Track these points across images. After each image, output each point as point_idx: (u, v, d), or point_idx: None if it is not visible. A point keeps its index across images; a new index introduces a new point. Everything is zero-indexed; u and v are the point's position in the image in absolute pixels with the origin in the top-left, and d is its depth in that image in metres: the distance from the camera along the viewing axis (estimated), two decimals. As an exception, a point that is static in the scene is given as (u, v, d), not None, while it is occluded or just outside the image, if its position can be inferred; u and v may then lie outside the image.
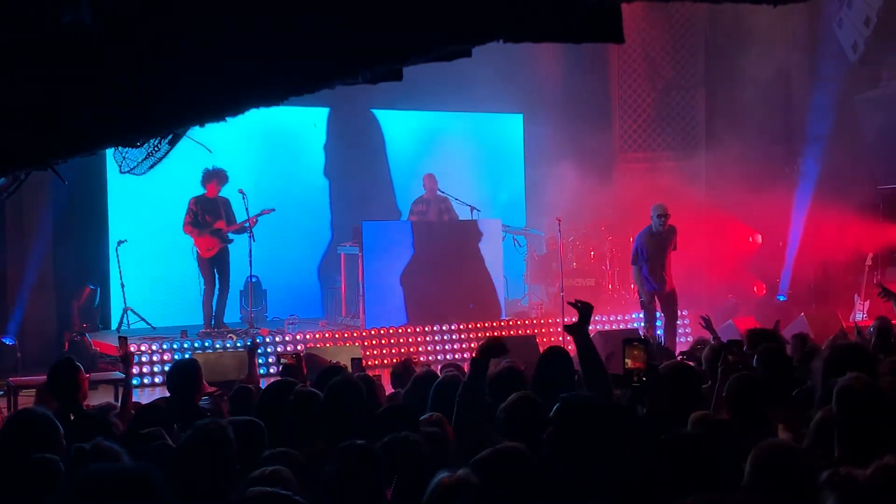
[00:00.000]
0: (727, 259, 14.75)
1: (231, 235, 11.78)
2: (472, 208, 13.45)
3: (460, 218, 13.55)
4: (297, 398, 4.84)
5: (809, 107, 14.92)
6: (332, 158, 14.45)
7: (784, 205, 14.46)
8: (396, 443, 3.87)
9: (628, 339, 4.80)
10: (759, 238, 15.17)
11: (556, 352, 5.50)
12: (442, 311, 12.49)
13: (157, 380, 10.54)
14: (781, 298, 14.42)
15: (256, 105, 3.25)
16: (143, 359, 10.77)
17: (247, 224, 11.72)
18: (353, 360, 7.10)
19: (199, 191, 11.73)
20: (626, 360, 4.66)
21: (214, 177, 11.73)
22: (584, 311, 4.76)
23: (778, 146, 14.47)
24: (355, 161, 14.58)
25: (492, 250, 13.09)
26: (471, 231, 13.06)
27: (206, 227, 11.58)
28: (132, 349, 10.20)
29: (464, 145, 15.17)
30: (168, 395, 5.94)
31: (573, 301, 4.97)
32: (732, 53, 14.72)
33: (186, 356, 10.48)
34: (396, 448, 3.82)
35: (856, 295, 13.33)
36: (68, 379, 5.60)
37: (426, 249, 12.53)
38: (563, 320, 11.61)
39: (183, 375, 5.84)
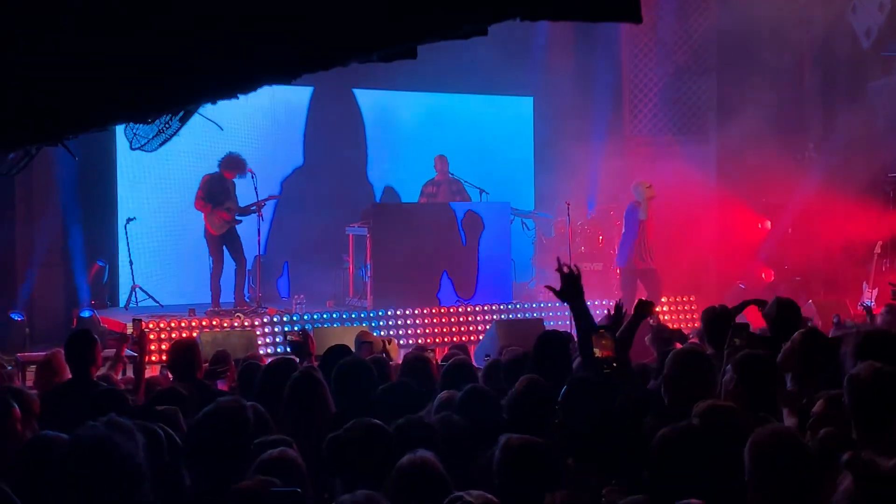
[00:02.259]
0: (736, 245, 14.71)
1: (239, 216, 11.79)
2: (481, 191, 13.44)
3: (469, 201, 13.54)
4: (298, 380, 4.84)
5: (821, 93, 14.86)
6: (343, 139, 14.41)
7: (794, 191, 14.40)
8: (411, 424, 3.88)
9: (594, 327, 4.76)
10: (769, 224, 15.12)
11: (552, 336, 5.51)
12: (449, 293, 12.49)
13: (164, 357, 10.56)
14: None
15: (269, 82, 3.24)
16: (151, 336, 10.78)
17: (253, 207, 11.74)
18: (361, 343, 7.13)
19: (213, 169, 11.72)
20: (595, 350, 4.62)
21: (233, 164, 11.67)
22: (568, 278, 4.73)
23: (789, 132, 14.39)
24: (365, 142, 14.55)
25: (500, 233, 13.07)
26: (479, 214, 13.04)
27: (217, 206, 11.58)
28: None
29: (473, 128, 15.13)
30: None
31: (559, 268, 4.92)
32: (745, 38, 14.62)
33: (194, 334, 10.53)
34: (410, 429, 3.83)
35: (864, 282, 13.29)
36: (85, 350, 5.65)
37: (434, 231, 12.52)
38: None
39: (182, 355, 5.88)
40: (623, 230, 12.59)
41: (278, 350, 10.68)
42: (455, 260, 12.65)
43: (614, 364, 4.61)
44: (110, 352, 8.95)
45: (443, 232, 12.59)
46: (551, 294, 4.82)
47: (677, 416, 4.09)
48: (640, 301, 5.32)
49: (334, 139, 14.33)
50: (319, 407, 4.65)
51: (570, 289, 4.67)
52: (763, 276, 14.93)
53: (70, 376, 6.05)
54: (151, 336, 10.73)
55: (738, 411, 4.04)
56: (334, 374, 4.92)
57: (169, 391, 5.13)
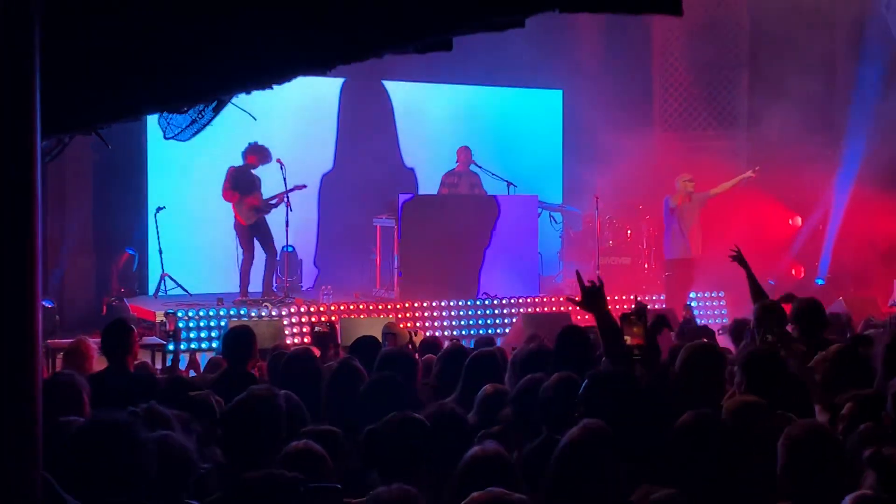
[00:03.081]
0: (766, 241, 14.61)
1: (267, 207, 11.85)
2: (509, 184, 13.40)
3: (496, 194, 13.51)
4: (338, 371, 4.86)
5: (854, 88, 14.71)
6: (372, 131, 14.42)
7: (825, 187, 14.29)
8: (443, 415, 3.89)
9: (625, 315, 4.76)
10: (799, 220, 15.01)
11: (574, 331, 5.50)
12: (476, 286, 12.49)
13: (192, 346, 10.62)
14: (819, 282, 14.28)
15: (303, 73, 3.25)
16: (180, 325, 10.84)
17: (274, 201, 11.78)
18: (387, 334, 7.13)
19: (239, 160, 11.78)
20: (626, 337, 4.64)
21: (257, 153, 11.76)
22: (590, 290, 4.70)
23: (821, 128, 14.26)
24: (394, 134, 14.56)
25: (527, 226, 13.04)
26: (507, 207, 13.02)
27: (245, 194, 11.64)
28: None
29: (502, 120, 15.11)
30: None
31: (579, 281, 4.90)
32: (776, 33, 14.50)
33: (222, 323, 10.58)
34: (442, 420, 3.84)
35: (895, 280, 13.17)
36: (122, 339, 5.67)
37: (461, 223, 12.50)
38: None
39: (238, 342, 5.87)
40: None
41: (305, 340, 10.71)
42: (482, 253, 12.63)
43: (643, 352, 4.63)
44: (149, 339, 8.99)
45: (470, 224, 12.58)
46: (578, 288, 4.80)
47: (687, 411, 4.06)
48: (658, 316, 5.31)
49: (363, 131, 14.35)
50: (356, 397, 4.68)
51: (592, 300, 4.65)
52: (793, 272, 14.82)
53: (96, 363, 6.11)
54: (181, 324, 10.79)
55: (766, 405, 4.02)
56: (377, 364, 4.95)
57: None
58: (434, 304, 12.13)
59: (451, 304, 12.22)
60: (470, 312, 12.32)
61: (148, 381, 5.17)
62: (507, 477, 3.25)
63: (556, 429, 4.07)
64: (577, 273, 4.82)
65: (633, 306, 5.15)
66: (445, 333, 11.61)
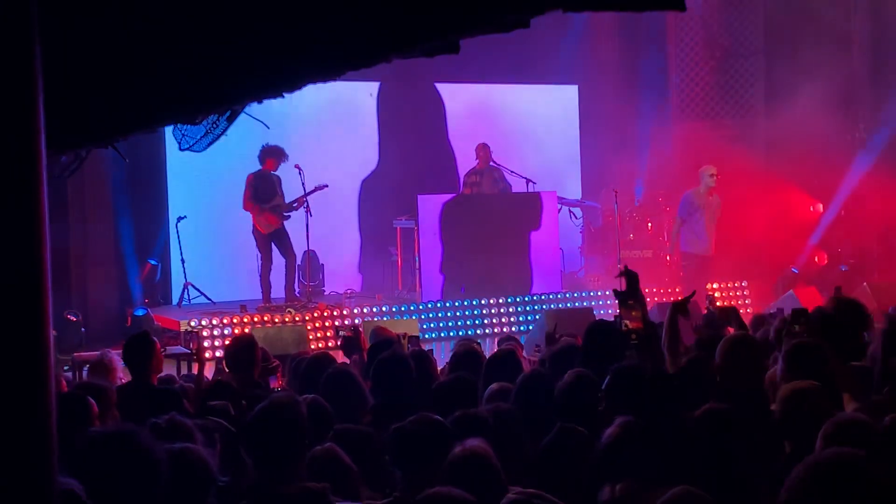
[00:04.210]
0: (788, 228, 14.53)
1: (285, 213, 11.85)
2: (528, 181, 13.38)
3: (515, 190, 13.51)
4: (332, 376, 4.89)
5: (871, 72, 14.60)
6: (388, 132, 14.44)
7: (846, 173, 14.19)
8: (466, 418, 3.90)
9: (622, 298, 4.75)
10: (821, 207, 14.92)
11: (601, 325, 5.49)
12: (499, 284, 12.48)
13: (217, 353, 10.66)
14: (843, 269, 14.19)
15: (313, 80, 3.25)
16: (204, 333, 10.90)
17: (294, 204, 11.78)
18: (409, 337, 7.13)
19: (256, 167, 11.81)
20: (625, 322, 4.65)
21: (273, 154, 11.78)
22: (632, 277, 4.70)
23: (839, 113, 14.17)
24: (411, 134, 14.55)
25: (548, 223, 13.03)
26: (527, 203, 13.01)
27: (265, 202, 11.66)
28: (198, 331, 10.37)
29: (519, 117, 15.09)
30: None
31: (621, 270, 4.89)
32: (792, 20, 14.43)
33: (246, 330, 10.61)
34: (465, 423, 3.85)
35: (920, 265, 13.08)
36: (144, 352, 5.69)
37: (482, 222, 12.51)
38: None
39: (241, 351, 5.92)
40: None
41: (329, 345, 10.74)
42: (504, 250, 12.63)
43: (641, 336, 4.63)
44: (173, 350, 9.02)
45: (490, 223, 12.58)
46: (600, 283, 4.80)
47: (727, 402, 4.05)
48: (674, 303, 5.28)
49: (380, 132, 14.37)
50: (355, 400, 4.71)
51: (633, 291, 4.64)
52: (816, 259, 14.73)
53: (121, 375, 6.13)
54: (205, 332, 10.85)
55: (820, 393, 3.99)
56: (374, 367, 4.97)
57: (217, 386, 5.18)
58: (457, 303, 12.14)
59: (474, 302, 12.23)
60: (493, 311, 12.32)
61: (171, 394, 5.18)
62: (491, 474, 3.26)
63: (570, 422, 4.09)
64: (626, 266, 4.81)
65: (620, 272, 5.07)
66: (468, 333, 11.62)
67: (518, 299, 12.47)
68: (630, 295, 4.80)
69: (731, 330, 6.28)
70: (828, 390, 4.09)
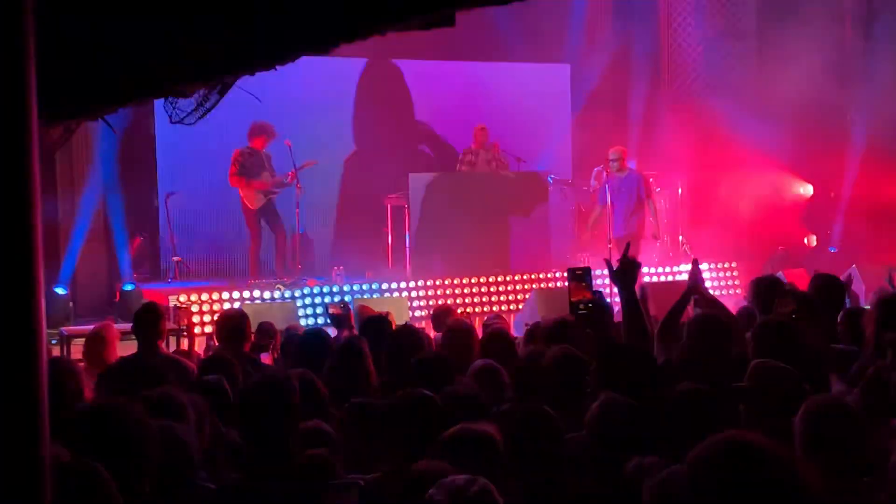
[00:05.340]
0: (777, 210, 14.56)
1: (276, 188, 11.81)
2: (519, 160, 13.37)
3: (509, 167, 13.49)
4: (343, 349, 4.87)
5: (864, 55, 14.60)
6: (381, 109, 14.36)
7: (837, 155, 14.21)
8: (455, 394, 3.89)
9: (572, 269, 4.77)
10: (811, 189, 14.94)
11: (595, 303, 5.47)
12: (489, 263, 12.48)
13: (206, 329, 10.64)
14: (832, 250, 14.24)
15: (306, 52, 3.22)
16: (193, 309, 10.87)
17: (286, 179, 11.73)
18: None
19: (245, 143, 11.75)
20: (572, 292, 4.67)
21: (263, 131, 11.72)
22: (627, 264, 4.65)
23: (831, 95, 14.16)
24: (403, 112, 14.51)
25: (538, 202, 13.01)
26: (517, 183, 13.00)
27: (252, 178, 11.61)
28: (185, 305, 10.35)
29: (510, 96, 15.04)
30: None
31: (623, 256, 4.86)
32: (784, 1, 14.41)
33: (235, 306, 10.59)
34: (454, 399, 3.84)
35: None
36: (152, 323, 5.70)
37: (472, 201, 12.49)
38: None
39: (232, 325, 5.91)
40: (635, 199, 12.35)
41: (318, 321, 10.73)
42: (494, 229, 12.62)
43: (590, 305, 4.64)
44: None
45: (481, 201, 12.56)
46: (590, 262, 4.79)
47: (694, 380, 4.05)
48: (689, 287, 5.27)
49: (372, 109, 14.30)
50: (363, 376, 4.68)
51: (625, 275, 4.59)
52: (806, 241, 14.78)
53: (117, 350, 6.13)
54: (194, 308, 10.83)
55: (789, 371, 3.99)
56: (388, 342, 4.95)
57: (217, 358, 5.17)
58: (447, 281, 12.14)
59: (464, 281, 12.22)
60: (483, 289, 12.32)
61: (177, 363, 5.21)
62: (488, 451, 3.24)
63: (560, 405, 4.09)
64: (628, 245, 4.78)
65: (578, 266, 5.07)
66: (459, 311, 11.62)
67: (508, 278, 12.47)
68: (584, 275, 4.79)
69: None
70: (799, 368, 4.09)
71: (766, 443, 2.09)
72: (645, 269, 12.78)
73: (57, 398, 3.74)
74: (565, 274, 12.52)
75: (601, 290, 5.69)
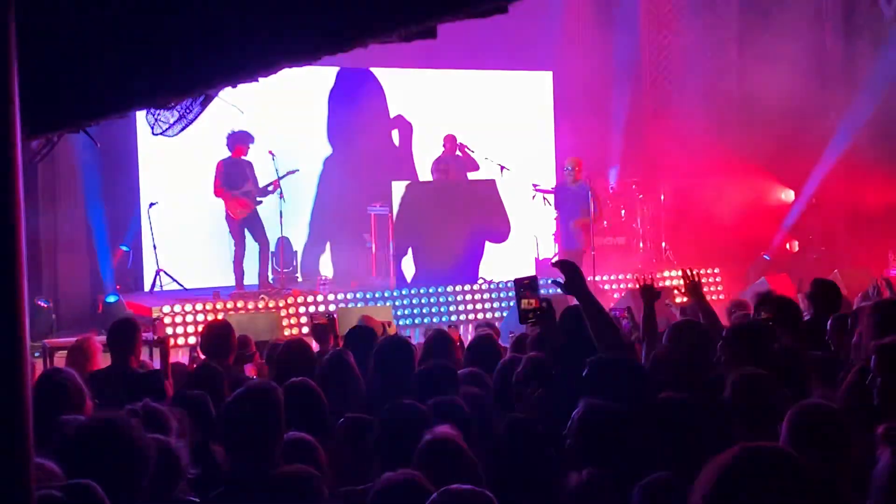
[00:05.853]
0: (760, 215, 14.63)
1: (259, 197, 11.80)
2: (502, 168, 13.38)
3: (488, 176, 13.49)
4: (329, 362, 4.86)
5: (845, 58, 14.69)
6: (362, 118, 14.35)
7: (817, 159, 14.29)
8: (444, 404, 3.90)
9: (519, 280, 4.77)
10: (792, 194, 15.02)
11: (576, 311, 5.47)
12: (474, 270, 12.49)
13: (190, 340, 10.61)
14: (766, 258, 14.15)
15: (288, 64, 3.21)
16: (177, 320, 10.84)
17: (270, 187, 11.73)
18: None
19: (227, 153, 11.75)
20: (521, 301, 4.67)
21: (240, 140, 11.72)
22: (566, 270, 4.62)
23: (813, 100, 14.25)
24: (383, 121, 14.51)
25: (521, 210, 13.04)
26: (501, 191, 13.01)
27: (236, 188, 11.60)
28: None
29: (493, 104, 15.06)
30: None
31: (555, 262, 4.86)
32: (766, 4, 14.49)
33: (219, 317, 10.56)
34: (443, 408, 3.84)
35: (889, 251, 13.19)
36: (128, 337, 5.67)
37: (455, 209, 12.50)
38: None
39: (217, 337, 5.89)
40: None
41: (303, 332, 10.71)
42: (477, 237, 12.63)
43: (538, 312, 4.65)
44: (145, 335, 9.00)
45: (465, 209, 12.57)
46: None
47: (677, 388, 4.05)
48: (645, 286, 5.27)
49: (354, 119, 14.29)
50: (351, 388, 4.67)
51: (574, 281, 4.55)
52: (788, 246, 14.85)
53: (100, 362, 6.08)
54: (178, 319, 10.80)
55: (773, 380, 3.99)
56: (374, 353, 4.93)
57: (204, 369, 5.14)
58: (431, 290, 12.14)
59: (448, 289, 12.23)
60: (467, 297, 12.33)
61: (151, 378, 5.16)
62: (461, 460, 3.25)
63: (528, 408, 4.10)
64: (560, 262, 4.73)
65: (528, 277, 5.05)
66: (443, 320, 11.64)
67: (492, 286, 12.48)
68: (531, 285, 4.79)
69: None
70: (772, 372, 4.09)
71: (790, 452, 2.03)
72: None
73: (58, 411, 3.74)
74: (549, 281, 12.69)
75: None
